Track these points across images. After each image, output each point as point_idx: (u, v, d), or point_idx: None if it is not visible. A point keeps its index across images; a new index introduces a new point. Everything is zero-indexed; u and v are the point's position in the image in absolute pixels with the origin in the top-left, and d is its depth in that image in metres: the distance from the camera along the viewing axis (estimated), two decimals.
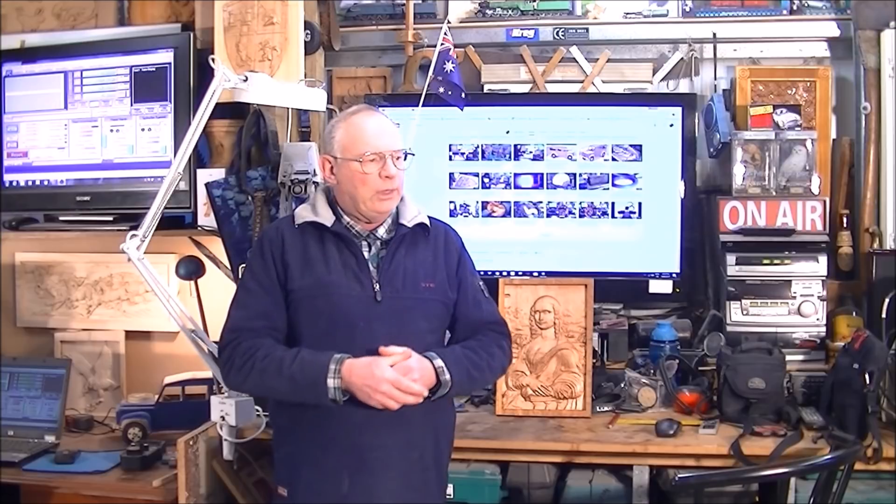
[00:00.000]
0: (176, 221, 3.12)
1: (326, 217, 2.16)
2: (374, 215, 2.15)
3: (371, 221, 2.17)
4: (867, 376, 2.44)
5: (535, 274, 3.20)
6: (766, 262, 2.95)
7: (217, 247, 3.08)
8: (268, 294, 2.14)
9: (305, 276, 2.12)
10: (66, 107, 3.22)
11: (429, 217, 2.25)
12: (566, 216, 3.23)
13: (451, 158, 3.27)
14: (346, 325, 2.09)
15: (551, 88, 3.37)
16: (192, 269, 3.01)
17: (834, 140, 3.22)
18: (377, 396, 2.01)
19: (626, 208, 3.20)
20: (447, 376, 2.08)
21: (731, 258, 2.97)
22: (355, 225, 2.17)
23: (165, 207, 2.52)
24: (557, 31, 3.35)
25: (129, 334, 3.39)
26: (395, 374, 2.02)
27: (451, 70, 2.98)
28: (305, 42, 3.02)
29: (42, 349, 3.44)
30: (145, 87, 3.11)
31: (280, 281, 2.13)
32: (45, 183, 3.26)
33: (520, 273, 3.20)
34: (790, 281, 2.94)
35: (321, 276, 2.11)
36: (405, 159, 2.16)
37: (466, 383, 2.17)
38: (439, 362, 2.08)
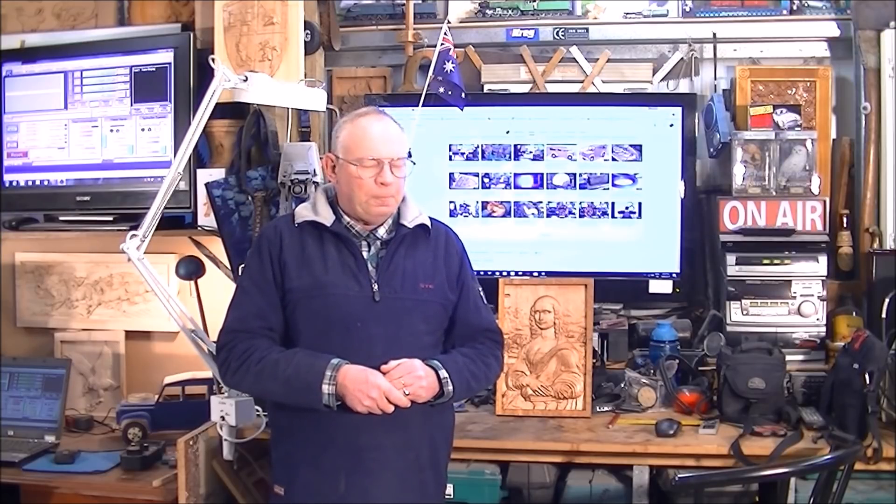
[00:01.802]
0: (176, 221, 3.12)
1: (326, 216, 2.16)
2: (370, 218, 2.15)
3: (370, 223, 2.17)
4: (867, 376, 2.44)
5: (535, 274, 3.20)
6: (766, 262, 2.95)
7: (217, 247, 3.08)
8: (264, 294, 2.14)
9: (303, 275, 2.12)
10: (66, 107, 3.22)
11: (430, 218, 2.24)
12: (566, 216, 3.23)
13: (451, 158, 3.27)
14: (342, 325, 2.09)
15: (551, 88, 3.37)
16: (192, 269, 3.01)
17: (834, 140, 3.22)
18: (366, 402, 2.01)
19: (626, 208, 3.20)
20: (450, 387, 2.10)
21: (731, 258, 2.96)
22: (355, 225, 2.17)
23: (165, 207, 2.52)
24: (557, 31, 3.35)
25: (129, 334, 3.39)
26: (389, 385, 2.03)
27: (451, 70, 2.98)
28: (305, 42, 3.02)
29: (42, 349, 3.44)
30: (145, 87, 3.11)
31: (277, 280, 2.13)
32: (45, 183, 3.26)
33: (520, 273, 3.20)
34: (790, 281, 2.94)
35: (319, 275, 2.11)
36: (408, 165, 2.15)
37: (464, 393, 2.21)
38: (444, 373, 2.09)
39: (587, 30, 3.34)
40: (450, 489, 2.46)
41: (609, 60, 3.33)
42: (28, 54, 3.33)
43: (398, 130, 2.17)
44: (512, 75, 3.39)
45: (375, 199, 2.11)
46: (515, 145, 3.24)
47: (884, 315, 2.76)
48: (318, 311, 2.11)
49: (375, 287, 2.11)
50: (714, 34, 3.26)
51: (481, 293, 2.32)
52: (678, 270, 3.17)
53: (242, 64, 2.98)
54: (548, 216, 3.24)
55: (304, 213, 2.18)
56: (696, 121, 3.21)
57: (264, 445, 2.51)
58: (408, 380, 2.05)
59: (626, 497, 2.56)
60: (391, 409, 2.03)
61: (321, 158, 2.54)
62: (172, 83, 3.07)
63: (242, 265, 2.61)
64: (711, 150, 3.20)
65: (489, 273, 3.16)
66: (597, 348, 3.02)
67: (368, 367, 2.05)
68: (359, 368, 2.03)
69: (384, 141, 2.12)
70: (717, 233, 3.04)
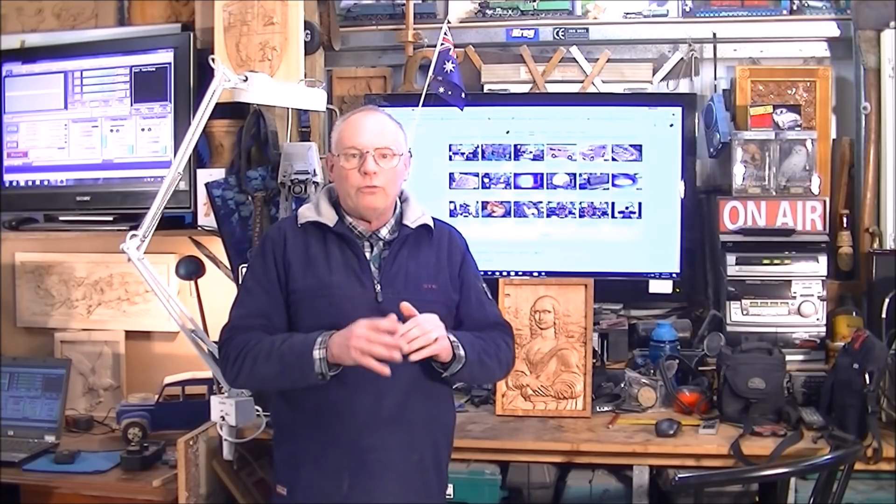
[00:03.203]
0: (176, 221, 3.12)
1: (329, 217, 2.16)
2: (363, 211, 2.14)
3: (367, 219, 2.16)
4: (867, 376, 2.44)
5: (535, 274, 3.20)
6: (766, 262, 2.95)
7: (217, 247, 3.09)
8: (267, 294, 2.14)
9: (307, 276, 2.12)
10: (66, 107, 3.22)
11: (433, 218, 2.24)
12: (566, 216, 3.22)
13: (451, 158, 3.27)
14: (346, 325, 2.08)
15: (551, 88, 3.37)
16: (192, 269, 3.01)
17: (834, 140, 3.22)
18: (353, 350, 1.92)
19: (626, 208, 3.20)
20: (462, 352, 2.06)
21: (731, 258, 2.96)
22: (358, 225, 2.17)
23: (165, 207, 2.52)
24: (557, 31, 3.35)
25: (129, 334, 3.39)
26: (371, 322, 1.95)
27: (451, 70, 2.98)
28: (305, 42, 3.02)
29: (42, 349, 3.44)
30: (145, 87, 3.11)
31: (281, 281, 2.14)
32: (45, 183, 3.26)
33: (520, 273, 3.20)
34: (790, 281, 2.94)
35: (322, 276, 2.11)
36: (399, 158, 2.14)
37: (477, 366, 2.11)
38: (452, 337, 2.06)
39: (587, 30, 3.34)
40: (450, 489, 2.46)
41: (609, 60, 3.33)
42: (28, 54, 3.33)
43: (390, 125, 2.16)
44: (512, 75, 3.39)
45: (361, 190, 2.10)
46: (515, 145, 3.24)
47: (884, 315, 2.76)
48: (322, 312, 2.10)
49: (378, 288, 2.11)
50: (714, 34, 3.26)
51: (486, 290, 2.30)
52: (678, 270, 3.17)
53: (242, 64, 2.98)
54: (548, 216, 3.24)
55: (307, 213, 2.18)
56: (696, 121, 3.21)
57: (264, 445, 2.51)
58: (416, 332, 1.96)
59: (626, 497, 2.56)
60: (383, 353, 1.93)
61: (322, 159, 2.54)
62: (172, 83, 3.07)
63: (243, 265, 2.62)
64: (711, 150, 3.20)
65: (489, 273, 3.15)
66: (597, 348, 3.02)
67: (373, 367, 1.99)
68: (346, 328, 1.98)
69: (367, 131, 2.12)
70: (717, 233, 3.04)
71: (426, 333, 1.98)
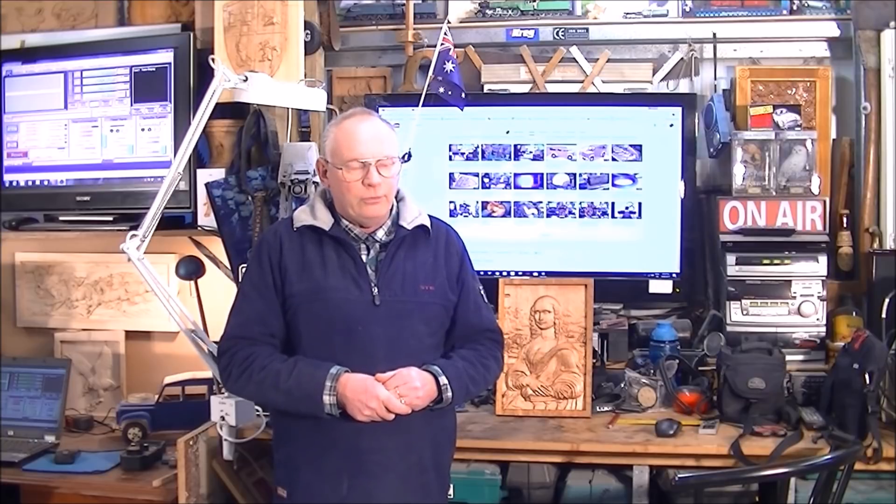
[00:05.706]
0: (176, 221, 3.12)
1: (325, 220, 2.15)
2: (364, 220, 2.15)
3: (364, 225, 2.16)
4: (867, 376, 2.44)
5: (535, 274, 3.20)
6: (766, 262, 2.95)
7: (217, 247, 3.09)
8: (265, 300, 2.14)
9: (304, 280, 2.12)
10: (66, 107, 3.22)
11: (430, 217, 2.24)
12: (566, 216, 3.22)
13: (451, 158, 3.27)
14: (344, 329, 2.09)
15: (551, 88, 3.37)
16: (192, 269, 3.01)
17: (834, 140, 3.22)
18: (366, 412, 2.03)
19: (626, 208, 3.20)
20: (450, 394, 2.10)
21: (731, 258, 2.96)
22: (354, 228, 2.16)
23: (165, 207, 2.52)
24: (557, 31, 3.35)
25: (129, 334, 3.39)
26: (388, 394, 2.03)
27: (451, 70, 2.98)
28: (305, 42, 3.02)
29: (42, 349, 3.44)
30: (145, 87, 3.12)
31: (277, 286, 2.13)
32: (45, 183, 3.26)
33: (520, 273, 3.19)
34: (790, 281, 2.94)
35: (319, 279, 2.11)
36: (397, 164, 2.14)
37: (463, 398, 2.23)
38: (444, 380, 2.09)
39: (587, 30, 3.34)
40: (450, 489, 2.46)
41: (609, 60, 3.33)
42: (28, 54, 3.33)
43: (385, 130, 2.16)
44: (512, 75, 3.38)
45: (365, 200, 2.10)
46: (515, 145, 3.23)
47: (884, 315, 2.76)
48: (319, 316, 2.11)
49: (375, 291, 2.11)
50: (714, 34, 3.26)
51: (482, 292, 2.31)
52: (678, 270, 3.17)
53: (242, 64, 2.98)
54: (548, 216, 3.23)
55: (302, 217, 2.18)
56: (696, 121, 3.21)
57: (264, 445, 2.51)
58: (403, 390, 2.05)
59: (626, 497, 2.56)
60: (391, 417, 2.04)
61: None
62: (172, 83, 3.08)
63: (242, 265, 2.62)
64: (711, 150, 3.20)
65: (489, 273, 3.15)
66: (597, 348, 3.02)
67: (371, 370, 2.05)
68: (358, 378, 2.04)
69: (367, 141, 2.10)
70: (717, 233, 3.04)
71: (413, 391, 2.06)
